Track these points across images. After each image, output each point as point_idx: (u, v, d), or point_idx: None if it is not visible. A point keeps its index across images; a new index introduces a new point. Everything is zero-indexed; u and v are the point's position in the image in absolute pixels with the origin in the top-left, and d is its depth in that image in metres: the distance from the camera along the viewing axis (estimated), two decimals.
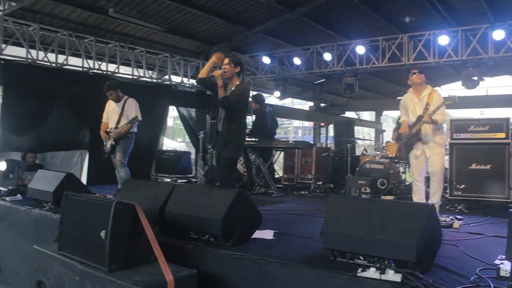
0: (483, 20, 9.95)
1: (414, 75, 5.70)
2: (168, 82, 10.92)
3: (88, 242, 3.39)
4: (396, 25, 11.08)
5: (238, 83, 5.30)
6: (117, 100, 6.97)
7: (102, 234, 3.23)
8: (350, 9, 10.41)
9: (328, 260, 3.42)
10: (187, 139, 32.70)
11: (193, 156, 11.15)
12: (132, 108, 6.87)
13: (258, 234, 4.25)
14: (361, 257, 3.29)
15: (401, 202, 4.50)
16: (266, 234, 4.39)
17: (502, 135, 6.92)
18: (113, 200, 3.29)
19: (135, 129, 6.96)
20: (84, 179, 8.85)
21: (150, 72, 10.46)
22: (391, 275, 2.94)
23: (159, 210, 4.15)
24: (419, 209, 3.22)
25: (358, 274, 3.02)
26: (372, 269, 3.03)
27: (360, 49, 9.70)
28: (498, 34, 8.12)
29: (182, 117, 11.92)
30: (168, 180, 9.70)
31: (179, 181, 9.59)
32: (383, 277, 2.95)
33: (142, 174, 9.44)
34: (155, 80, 10.64)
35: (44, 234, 5.07)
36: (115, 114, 6.90)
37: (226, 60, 5.23)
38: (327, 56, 10.24)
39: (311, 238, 4.26)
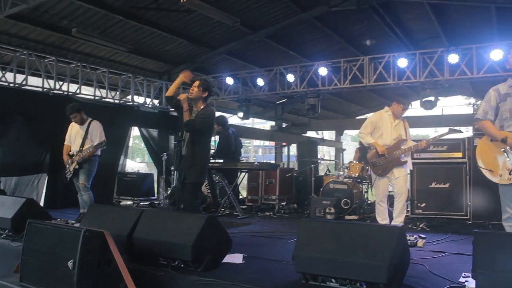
0: (437, 43, 10.40)
1: (404, 110, 5.89)
2: (131, 103, 10.77)
3: (54, 272, 3.28)
4: (357, 48, 11.40)
5: (203, 106, 5.31)
6: (81, 123, 6.81)
7: (70, 263, 3.13)
8: (312, 31, 10.63)
9: (300, 284, 3.44)
10: (147, 159, 32.33)
11: (155, 178, 11.00)
12: (97, 131, 6.73)
13: (228, 258, 4.22)
14: (333, 280, 3.33)
15: (371, 225, 4.59)
16: (236, 258, 4.37)
17: (460, 154, 7.21)
18: (82, 228, 3.20)
19: (99, 152, 6.81)
20: (42, 203, 8.52)
21: (112, 92, 10.28)
22: None
23: (127, 236, 4.06)
24: (390, 232, 3.30)
25: None
26: None
27: (323, 71, 9.89)
28: (453, 58, 8.48)
29: (144, 137, 11.76)
30: (131, 202, 9.52)
31: (142, 203, 9.44)
32: None
33: (104, 197, 9.22)
34: (117, 101, 10.46)
35: (1, 264, 4.84)
36: (79, 137, 6.73)
37: (197, 83, 5.26)
38: (290, 77, 10.38)
39: (281, 261, 4.27)
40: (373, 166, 5.90)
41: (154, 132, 11.67)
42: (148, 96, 11.01)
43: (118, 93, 10.44)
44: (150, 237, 3.98)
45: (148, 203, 9.57)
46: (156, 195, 10.28)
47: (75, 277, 3.09)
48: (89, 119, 6.90)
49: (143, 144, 12.63)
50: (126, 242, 4.02)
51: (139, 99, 11.06)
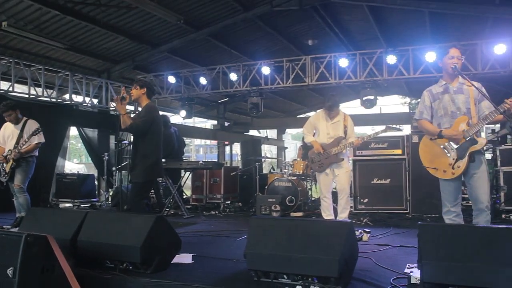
0: (376, 44, 10.79)
1: (330, 111, 5.95)
2: (69, 102, 10.32)
3: None
4: (299, 47, 11.58)
5: (146, 103, 5.23)
6: (16, 122, 6.41)
7: (9, 271, 2.94)
8: (255, 30, 10.69)
9: (252, 281, 3.44)
10: (85, 159, 31.23)
11: (95, 179, 10.64)
12: (34, 129, 6.37)
13: (177, 259, 4.15)
14: (285, 276, 3.35)
15: (322, 221, 4.68)
16: (185, 258, 4.31)
17: (399, 151, 7.51)
18: (23, 233, 3.01)
19: (36, 153, 6.45)
20: None
21: (49, 91, 9.80)
22: None
23: (71, 239, 3.88)
24: (339, 227, 3.36)
25: None
26: (298, 287, 3.10)
27: (265, 70, 9.96)
28: (391, 59, 8.82)
29: (83, 138, 11.33)
30: (70, 205, 9.16)
31: (83, 205, 9.10)
32: None
33: (41, 200, 8.79)
34: (54, 100, 9.99)
35: None
36: (14, 138, 6.32)
37: (133, 86, 5.19)
38: (233, 76, 10.37)
39: (231, 260, 4.26)
40: (311, 162, 6.11)
41: (94, 132, 11.26)
42: (87, 95, 10.60)
43: (54, 91, 9.98)
44: (96, 239, 3.83)
45: (89, 205, 9.25)
46: (97, 197, 9.94)
47: (16, 286, 2.91)
48: (25, 118, 6.52)
49: (80, 144, 12.20)
50: (70, 246, 3.84)
51: (77, 98, 10.63)
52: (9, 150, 6.30)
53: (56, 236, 3.30)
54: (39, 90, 9.43)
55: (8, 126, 6.49)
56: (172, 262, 4.01)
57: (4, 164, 6.33)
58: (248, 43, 11.42)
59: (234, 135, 18.44)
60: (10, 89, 8.93)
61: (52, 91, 9.91)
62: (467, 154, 3.91)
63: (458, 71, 4.05)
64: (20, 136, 6.30)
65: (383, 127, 6.06)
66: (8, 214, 7.14)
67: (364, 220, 6.89)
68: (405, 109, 20.85)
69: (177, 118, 13.36)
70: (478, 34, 9.19)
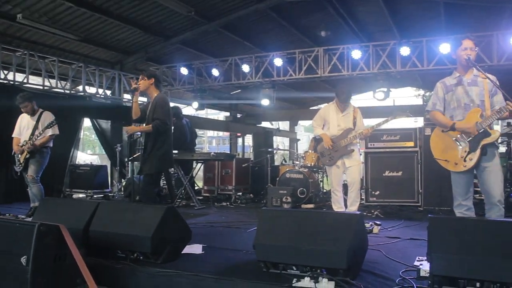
0: (389, 36, 10.66)
1: (342, 102, 5.90)
2: (82, 93, 10.42)
3: (5, 270, 3.12)
4: (312, 39, 11.51)
5: (156, 94, 5.29)
6: (32, 113, 6.52)
7: (23, 260, 3.00)
8: (267, 22, 10.64)
9: (261, 272, 3.46)
10: (98, 151, 31.50)
11: (108, 170, 10.74)
12: (49, 121, 6.46)
13: (187, 249, 4.19)
14: (293, 267, 3.37)
15: (331, 212, 4.68)
16: (195, 248, 4.35)
17: (411, 144, 7.45)
18: (36, 223, 3.07)
19: (50, 144, 6.55)
20: None
21: (62, 82, 9.90)
22: (325, 283, 3.05)
23: (83, 229, 3.93)
24: (348, 219, 3.36)
25: (293, 285, 3.09)
26: (307, 279, 3.11)
27: (278, 61, 9.93)
28: (405, 50, 8.72)
29: (96, 129, 11.43)
30: (84, 195, 9.26)
31: (96, 196, 9.19)
32: (318, 285, 3.04)
33: (54, 190, 8.91)
34: (68, 91, 10.09)
35: None
36: (30, 128, 6.43)
37: (141, 76, 5.30)
38: (245, 68, 10.35)
39: (240, 251, 4.29)
40: (321, 156, 6.10)
41: (107, 124, 11.36)
42: (100, 87, 10.69)
43: (68, 83, 10.07)
44: (108, 229, 3.88)
45: (102, 195, 9.34)
46: (110, 187, 10.04)
47: (29, 274, 2.96)
48: (40, 110, 6.61)
49: (94, 136, 12.32)
50: (83, 235, 3.89)
51: (90, 90, 10.71)
52: (25, 141, 6.40)
53: (68, 226, 3.35)
54: (53, 81, 9.55)
55: (25, 117, 6.59)
56: (182, 252, 4.06)
57: (19, 155, 6.43)
58: (260, 35, 11.37)
59: (246, 127, 18.46)
60: (25, 80, 9.04)
61: (65, 82, 10.01)
62: (480, 146, 3.86)
63: (472, 62, 3.99)
64: (36, 127, 6.40)
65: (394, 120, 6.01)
66: (24, 204, 7.25)
67: (375, 213, 6.87)
68: (419, 101, 20.61)
69: (190, 110, 13.37)
70: (494, 25, 9.02)
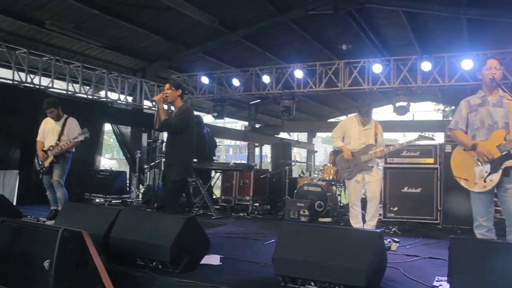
0: (411, 50, 10.65)
1: (364, 117, 5.90)
2: (104, 99, 10.59)
3: (28, 274, 3.18)
4: (332, 51, 11.54)
5: (180, 104, 5.34)
6: (57, 119, 6.65)
7: (46, 264, 3.05)
8: (289, 33, 10.70)
9: (279, 286, 3.46)
10: (116, 155, 31.78)
11: (127, 176, 10.84)
12: (75, 128, 6.57)
13: (206, 259, 4.20)
14: (312, 283, 3.36)
15: (351, 229, 4.65)
16: (213, 259, 4.36)
17: (431, 160, 7.36)
18: (59, 228, 3.12)
19: (73, 149, 6.66)
20: (15, 200, 8.27)
21: (86, 87, 10.08)
22: None
23: (103, 235, 3.99)
24: (369, 236, 3.35)
25: None
26: None
27: (298, 73, 9.96)
28: (426, 66, 8.69)
29: (116, 134, 11.59)
30: (102, 200, 9.35)
31: (114, 201, 9.28)
32: None
33: (75, 195, 9.02)
34: (90, 97, 10.27)
35: None
36: (54, 134, 6.54)
37: (167, 85, 5.34)
38: (266, 79, 10.41)
39: (258, 263, 4.28)
40: (339, 169, 6.08)
41: (127, 130, 11.50)
42: (122, 93, 10.84)
43: (91, 88, 10.24)
44: (128, 237, 3.93)
45: (120, 201, 9.43)
46: (128, 193, 10.13)
47: (52, 278, 3.01)
48: (65, 115, 6.73)
49: (112, 140, 12.50)
50: (103, 241, 3.94)
51: (113, 96, 10.88)
52: (50, 146, 6.52)
53: (90, 231, 3.41)
54: (77, 86, 9.73)
55: (49, 121, 6.72)
56: (200, 262, 4.07)
57: (44, 158, 6.54)
58: (281, 46, 11.45)
59: (264, 137, 18.48)
60: (50, 85, 9.23)
61: (89, 88, 10.18)
62: (502, 168, 3.81)
63: (497, 82, 3.96)
64: (61, 133, 6.52)
65: (415, 135, 5.99)
66: (44, 206, 7.36)
67: (393, 229, 6.81)
68: (438, 116, 20.40)
69: (208, 118, 13.48)
70: None
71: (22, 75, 8.74)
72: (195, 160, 8.19)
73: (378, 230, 3.95)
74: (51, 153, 6.46)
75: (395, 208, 7.37)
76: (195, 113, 10.42)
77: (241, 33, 10.43)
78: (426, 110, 21.78)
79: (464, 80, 8.52)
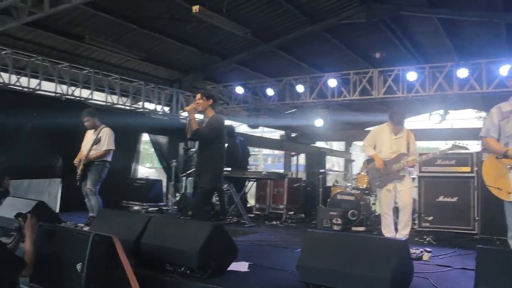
0: (446, 57, 10.41)
1: (396, 125, 5.86)
2: (142, 110, 10.91)
3: (62, 275, 3.35)
4: (366, 60, 11.46)
5: (212, 114, 5.41)
6: (93, 128, 6.89)
7: (78, 266, 3.20)
8: (322, 43, 10.71)
9: None
10: (155, 164, 32.41)
11: (163, 184, 11.08)
12: (105, 137, 6.77)
13: (233, 266, 4.26)
14: None
15: (375, 237, 4.62)
16: (241, 266, 4.41)
17: (468, 169, 7.16)
18: (91, 233, 3.27)
19: (109, 158, 6.84)
20: (57, 207, 8.63)
21: (123, 99, 10.42)
22: None
23: (134, 241, 4.12)
24: (393, 244, 3.33)
25: None
26: None
27: (332, 82, 9.95)
28: (462, 73, 8.51)
29: (154, 144, 11.88)
30: (139, 208, 9.59)
31: (150, 209, 9.50)
32: None
33: (112, 202, 9.30)
34: (128, 107, 10.60)
35: None
36: (89, 143, 6.78)
37: (198, 95, 5.40)
38: (300, 88, 10.45)
39: (286, 271, 4.29)
40: (371, 178, 6.05)
41: (164, 139, 11.78)
42: (159, 104, 11.14)
43: (129, 99, 10.58)
44: (158, 243, 4.05)
45: (156, 208, 9.64)
46: (164, 201, 10.35)
47: (83, 280, 3.16)
48: (102, 125, 6.93)
49: (152, 149, 12.81)
50: (134, 247, 4.08)
51: (150, 106, 11.19)
52: (84, 154, 6.78)
53: (121, 237, 3.55)
54: (115, 98, 10.09)
55: (89, 132, 6.98)
56: (228, 269, 4.13)
57: (78, 166, 6.81)
58: (315, 55, 11.46)
59: (301, 146, 18.46)
60: (90, 96, 9.61)
61: (126, 99, 10.52)
62: None
63: None
64: (95, 142, 6.74)
65: (450, 144, 5.89)
66: (85, 213, 7.62)
67: (427, 239, 6.67)
68: (480, 124, 19.80)
69: (245, 128, 13.60)
70: None
71: (64, 87, 9.17)
72: (228, 169, 8.34)
73: (403, 239, 3.91)
74: (82, 161, 6.70)
75: (430, 218, 7.20)
76: (228, 122, 10.63)
77: (275, 43, 10.52)
78: (467, 118, 21.21)
79: (503, 86, 8.28)
